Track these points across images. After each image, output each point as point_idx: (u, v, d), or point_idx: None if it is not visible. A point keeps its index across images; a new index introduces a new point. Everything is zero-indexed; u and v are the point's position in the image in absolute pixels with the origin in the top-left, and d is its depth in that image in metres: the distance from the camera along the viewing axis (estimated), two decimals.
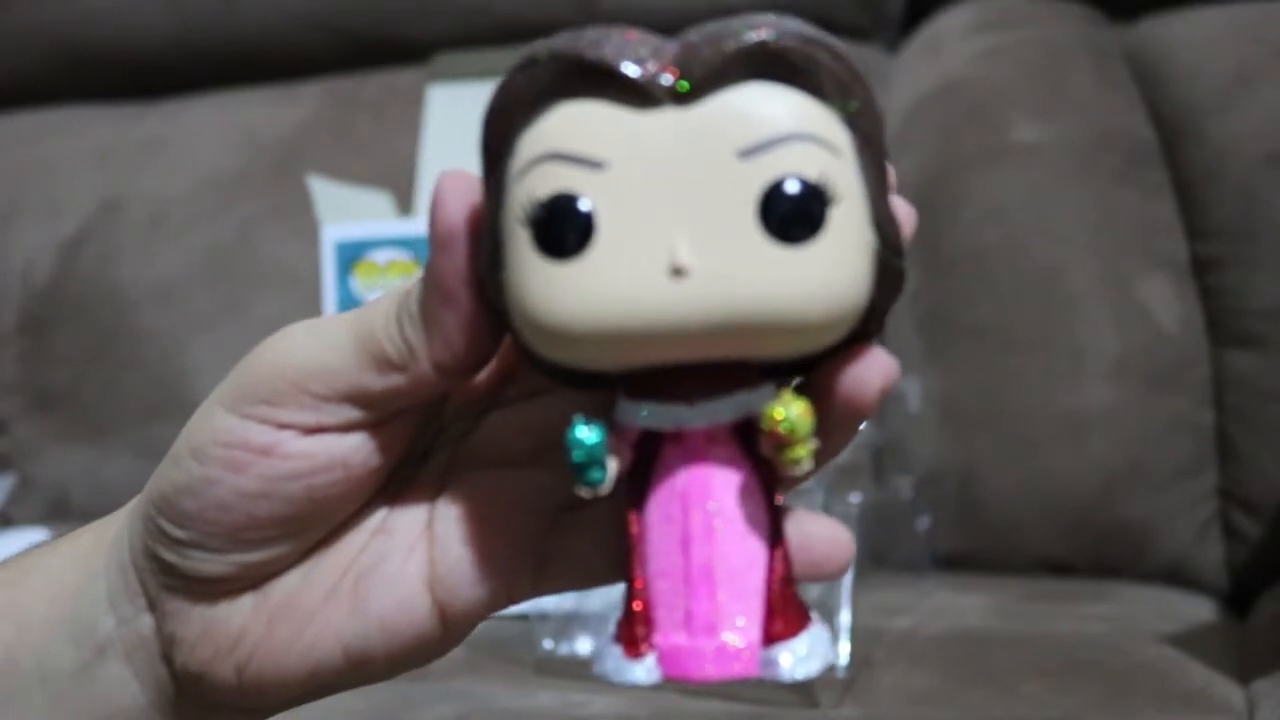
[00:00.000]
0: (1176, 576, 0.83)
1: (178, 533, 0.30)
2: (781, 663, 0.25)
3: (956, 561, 0.87)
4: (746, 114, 0.25)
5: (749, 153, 0.24)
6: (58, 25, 1.14)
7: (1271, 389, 0.83)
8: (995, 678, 0.63)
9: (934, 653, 0.68)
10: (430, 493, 0.31)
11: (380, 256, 0.95)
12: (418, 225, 0.92)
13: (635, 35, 0.25)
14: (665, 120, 0.25)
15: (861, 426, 0.29)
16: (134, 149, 1.11)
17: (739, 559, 0.26)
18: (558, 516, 0.31)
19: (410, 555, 0.31)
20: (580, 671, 0.63)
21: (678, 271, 0.24)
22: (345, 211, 0.94)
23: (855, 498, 0.77)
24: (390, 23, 1.09)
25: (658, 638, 0.26)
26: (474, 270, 0.27)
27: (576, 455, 0.26)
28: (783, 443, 0.25)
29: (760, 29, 0.25)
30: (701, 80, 0.25)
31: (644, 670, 0.26)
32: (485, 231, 0.26)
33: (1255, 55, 0.88)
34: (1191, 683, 0.63)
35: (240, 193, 1.06)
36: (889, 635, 0.70)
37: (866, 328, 0.27)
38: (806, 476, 0.27)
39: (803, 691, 0.60)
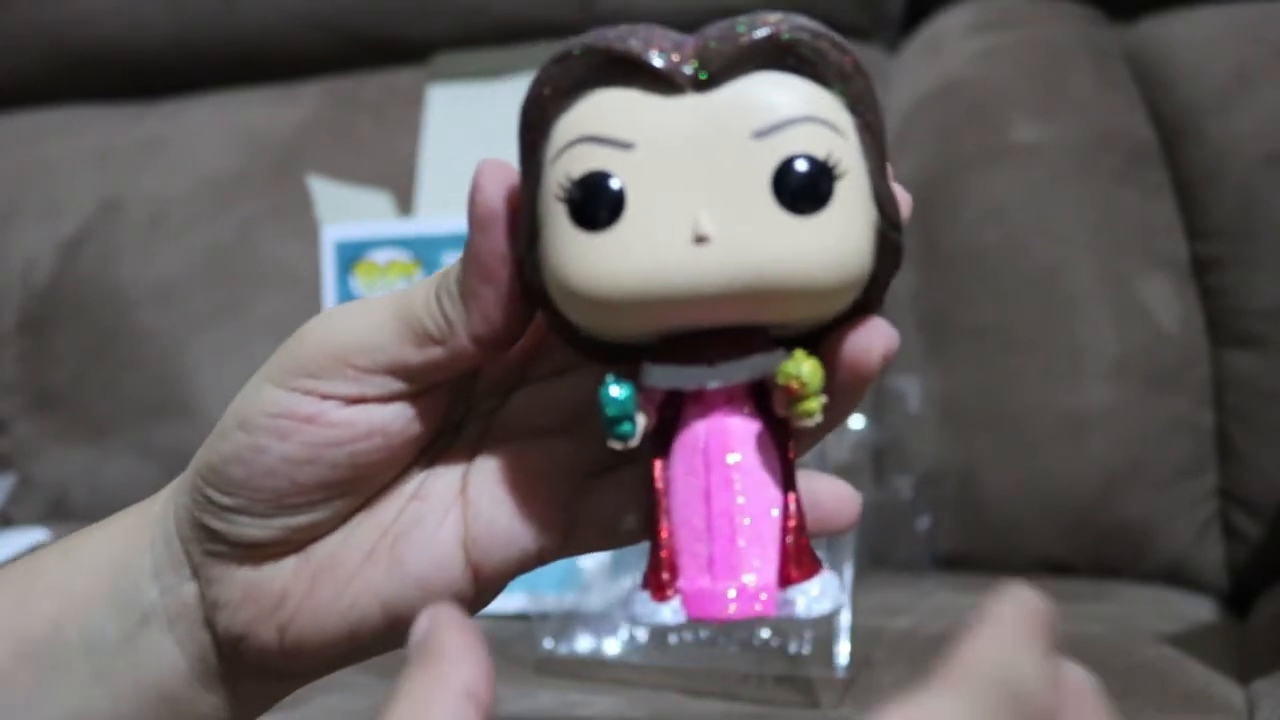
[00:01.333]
0: (1176, 576, 0.83)
1: (225, 500, 0.32)
2: (797, 603, 0.28)
3: (956, 561, 0.87)
4: (760, 99, 0.27)
5: (763, 134, 0.27)
6: (58, 25, 1.14)
7: (1271, 389, 0.83)
8: None
9: (934, 653, 0.67)
10: (463, 461, 0.34)
11: (380, 256, 0.95)
12: (418, 225, 0.92)
13: (659, 31, 0.28)
14: (687, 105, 0.27)
15: (860, 420, 0.31)
16: (134, 149, 1.11)
17: (756, 508, 0.28)
18: (584, 481, 0.33)
19: (445, 518, 0.33)
20: (580, 671, 0.63)
21: (700, 239, 0.27)
22: (345, 211, 0.94)
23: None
24: (390, 23, 1.09)
25: (682, 582, 0.28)
26: (511, 249, 0.29)
27: (609, 410, 0.28)
28: (795, 396, 0.28)
29: (771, 24, 0.27)
30: (719, 69, 0.27)
31: (670, 611, 0.28)
32: (523, 212, 0.29)
33: (1255, 55, 0.88)
34: (1191, 683, 0.63)
35: (240, 193, 1.06)
36: (889, 635, 0.70)
37: (869, 297, 0.29)
38: (820, 433, 0.30)
39: (803, 691, 0.60)
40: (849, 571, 0.67)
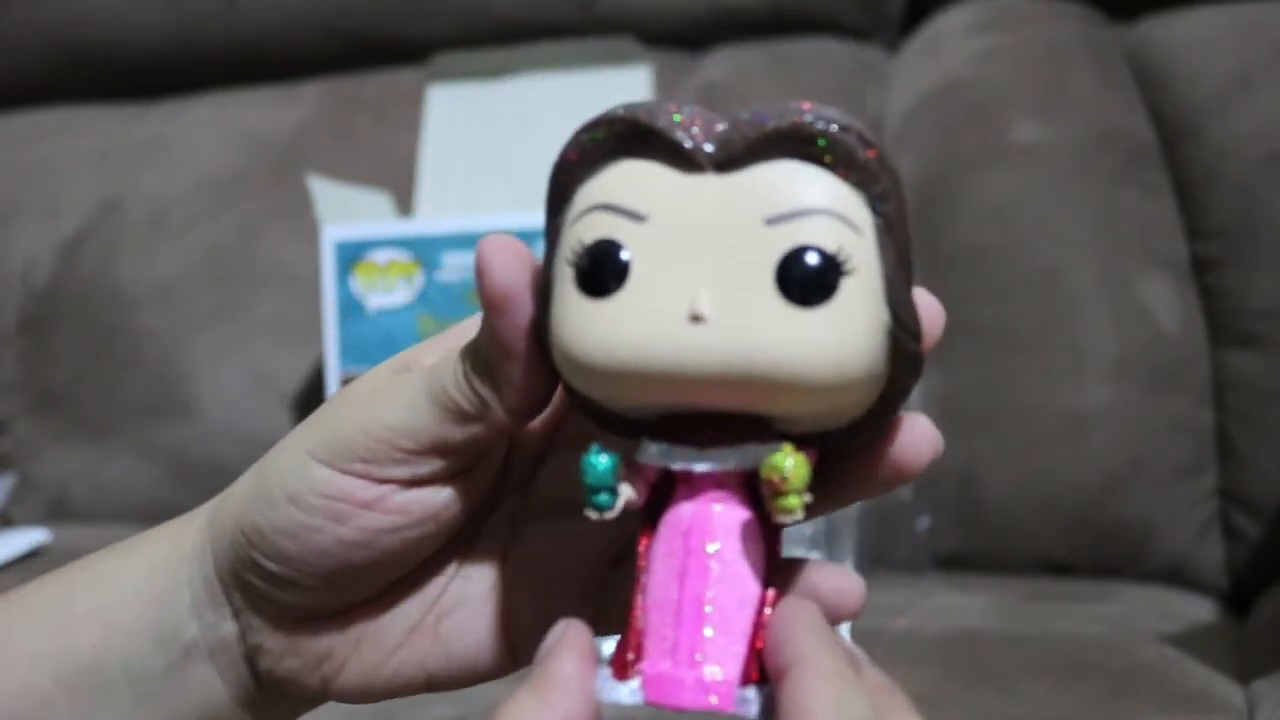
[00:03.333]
0: (1176, 576, 0.83)
1: (273, 567, 0.32)
2: (753, 704, 0.27)
3: (956, 561, 0.87)
4: (776, 187, 0.27)
5: (774, 221, 0.27)
6: (58, 25, 1.14)
7: (1271, 389, 0.83)
8: (995, 678, 0.63)
9: (934, 653, 0.68)
10: (501, 541, 0.34)
11: (380, 256, 0.95)
12: (417, 225, 0.92)
13: (698, 111, 0.28)
14: (705, 184, 0.28)
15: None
16: (134, 149, 1.11)
17: (730, 600, 0.28)
18: (613, 569, 0.34)
19: (486, 602, 0.34)
20: None
21: (696, 318, 0.27)
22: (345, 211, 0.94)
23: None
24: (390, 23, 1.09)
25: (646, 664, 0.28)
26: (530, 317, 0.29)
27: (587, 478, 0.28)
28: (776, 490, 0.27)
29: (801, 113, 0.27)
30: (741, 152, 0.27)
31: (628, 692, 0.27)
32: (542, 274, 0.29)
33: (1255, 55, 0.88)
34: (1191, 683, 0.63)
35: (240, 193, 1.06)
36: (889, 635, 0.70)
37: (887, 407, 0.30)
38: (809, 516, 0.29)
39: None
40: (864, 593, 0.67)
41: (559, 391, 0.31)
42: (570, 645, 0.26)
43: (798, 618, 0.27)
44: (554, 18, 1.04)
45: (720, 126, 0.28)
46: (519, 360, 0.30)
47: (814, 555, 0.68)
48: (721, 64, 1.03)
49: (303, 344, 0.99)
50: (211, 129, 1.10)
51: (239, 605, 0.34)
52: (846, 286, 0.27)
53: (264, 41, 1.12)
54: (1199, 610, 0.78)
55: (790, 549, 0.29)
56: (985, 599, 0.78)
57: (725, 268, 0.27)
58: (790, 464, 0.27)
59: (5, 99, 1.17)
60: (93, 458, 1.03)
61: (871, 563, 0.81)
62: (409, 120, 1.05)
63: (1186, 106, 0.89)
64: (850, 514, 0.74)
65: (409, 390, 0.31)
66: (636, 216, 0.28)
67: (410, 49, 1.08)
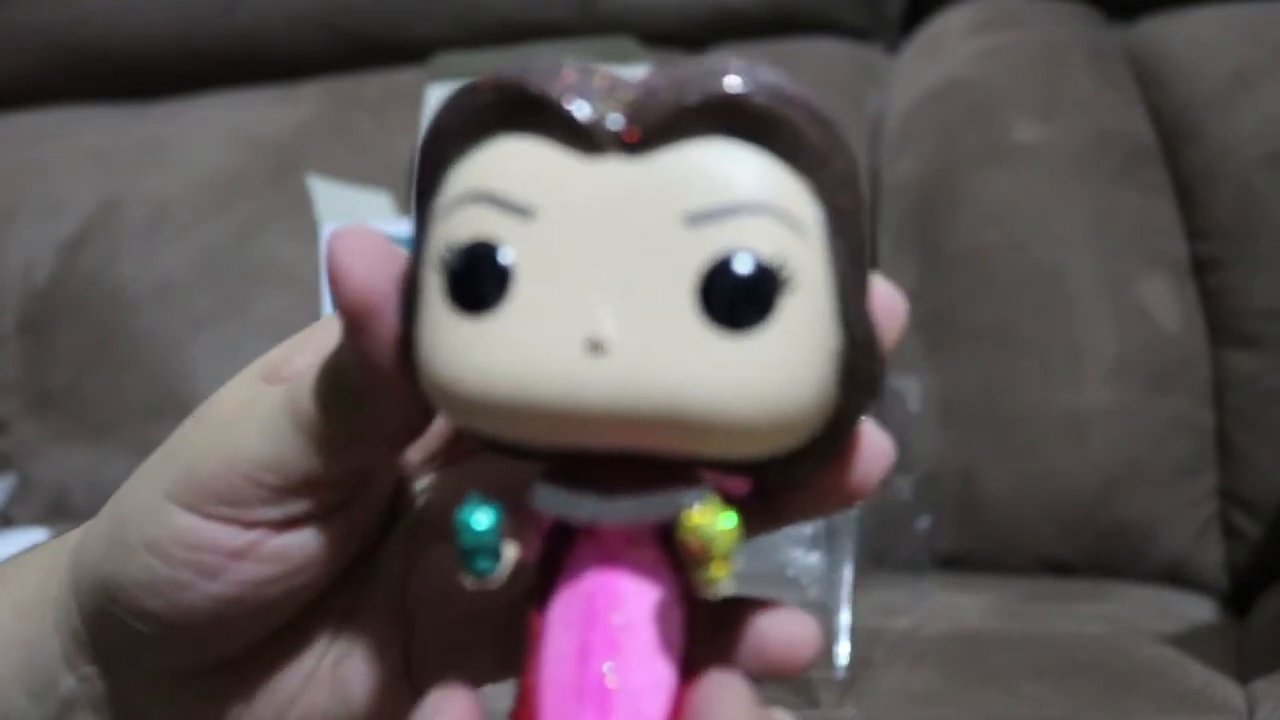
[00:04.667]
0: (1176, 576, 0.83)
1: (138, 626, 0.28)
2: None
3: (956, 561, 0.87)
4: (700, 174, 0.21)
5: (697, 219, 0.21)
6: (58, 25, 1.14)
7: (1271, 389, 0.83)
8: (995, 678, 0.63)
9: (934, 653, 0.68)
10: (398, 569, 0.30)
11: None
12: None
13: (599, 73, 0.22)
14: (609, 170, 0.22)
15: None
16: (134, 149, 1.11)
17: (637, 682, 0.22)
18: (525, 599, 0.28)
19: (385, 644, 0.29)
20: None
21: (595, 346, 0.21)
22: (345, 211, 0.94)
23: None
24: (390, 23, 1.09)
25: None
26: (397, 326, 0.24)
27: (464, 540, 0.23)
28: (697, 559, 0.22)
29: (730, 78, 0.21)
30: (655, 129, 0.21)
31: None
32: (408, 275, 0.23)
33: (1255, 55, 0.88)
34: (1191, 683, 0.63)
35: (240, 193, 1.06)
36: (889, 635, 0.70)
37: (836, 435, 0.23)
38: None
39: (803, 691, 0.60)
40: (849, 571, 0.67)
41: None
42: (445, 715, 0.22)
43: (722, 705, 0.22)
44: (554, 18, 1.04)
45: (626, 93, 0.22)
46: (389, 380, 0.24)
47: (814, 556, 0.68)
48: None
49: None
50: (211, 129, 1.10)
51: (108, 663, 0.29)
52: (786, 305, 0.21)
53: (264, 41, 1.12)
54: (1199, 610, 0.78)
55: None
56: (985, 599, 0.78)
57: (633, 279, 0.21)
58: (715, 529, 0.22)
59: (5, 99, 1.17)
60: (93, 458, 1.03)
61: (871, 563, 0.81)
62: (409, 120, 1.05)
63: (1186, 106, 0.89)
64: (850, 514, 0.74)
65: (268, 414, 0.26)
66: (521, 211, 0.22)
67: (410, 49, 1.08)
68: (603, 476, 0.23)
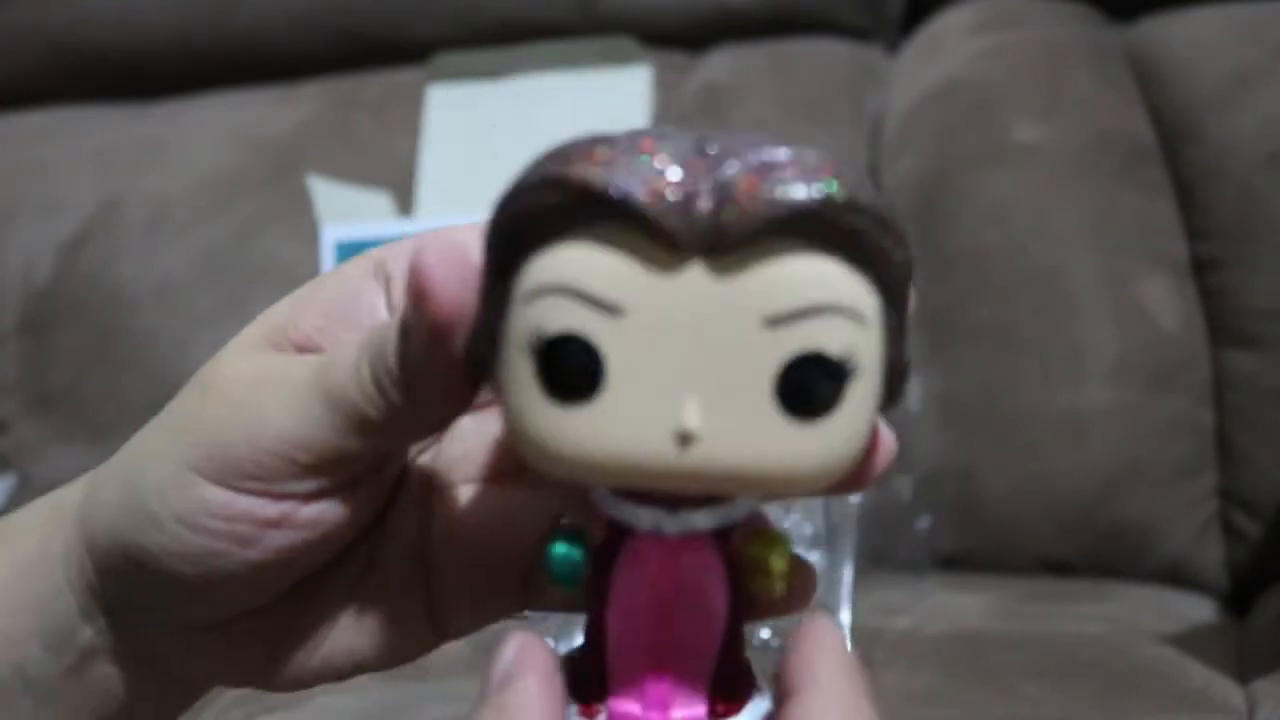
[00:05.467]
0: (1176, 576, 0.83)
1: (170, 589, 0.29)
2: None
3: (956, 561, 0.87)
4: (778, 280, 0.23)
5: (775, 322, 0.23)
6: (58, 25, 1.14)
7: (1271, 389, 0.83)
8: (995, 678, 0.63)
9: (934, 653, 0.68)
10: (416, 517, 0.31)
11: None
12: (417, 225, 0.92)
13: (660, 154, 0.23)
14: (692, 271, 0.23)
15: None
16: (134, 149, 1.11)
17: (698, 644, 0.26)
18: (543, 536, 0.30)
19: (406, 588, 0.30)
20: None
21: (684, 438, 0.23)
22: (345, 211, 0.94)
23: (855, 498, 0.77)
24: (390, 23, 1.09)
25: (611, 700, 0.26)
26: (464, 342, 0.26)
27: (557, 572, 0.26)
28: (756, 574, 0.26)
29: (810, 185, 0.23)
30: (735, 232, 0.23)
31: None
32: (482, 318, 0.25)
33: (1255, 55, 0.88)
34: (1191, 683, 0.63)
35: (240, 193, 1.06)
36: (889, 635, 0.70)
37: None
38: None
39: None
40: (849, 571, 0.67)
41: None
42: (531, 669, 0.24)
43: (820, 640, 0.25)
44: (554, 18, 1.04)
45: (705, 187, 0.23)
46: (449, 380, 0.26)
47: (814, 555, 0.68)
48: (721, 64, 1.03)
49: None
50: (211, 129, 1.10)
51: (133, 620, 0.30)
52: (851, 391, 0.24)
53: (264, 41, 1.12)
54: (1199, 610, 0.78)
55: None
56: (985, 599, 0.78)
57: (715, 375, 0.23)
58: (775, 557, 0.25)
59: (5, 99, 1.17)
60: (93, 458, 1.02)
61: (871, 563, 0.81)
62: (409, 120, 1.05)
63: (1186, 106, 0.89)
64: (850, 514, 0.74)
65: (299, 393, 0.27)
66: (610, 309, 0.23)
67: (410, 49, 1.08)
68: (666, 495, 0.25)
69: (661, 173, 0.23)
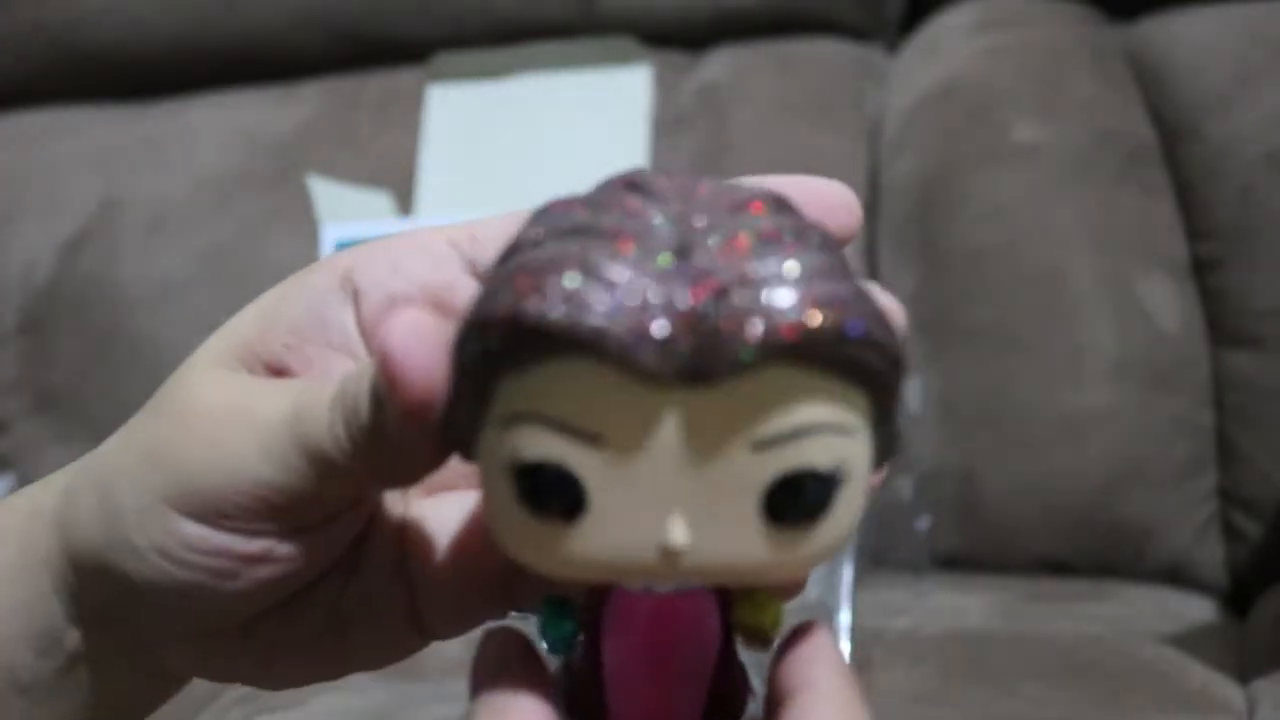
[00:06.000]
0: (1176, 576, 0.83)
1: (155, 617, 0.29)
2: None
3: (956, 561, 0.87)
4: (765, 406, 0.22)
5: (761, 445, 0.23)
6: (58, 25, 1.14)
7: (1271, 389, 0.83)
8: (995, 678, 0.63)
9: (934, 653, 0.68)
10: (395, 527, 0.31)
11: None
12: (417, 225, 0.92)
13: (640, 277, 0.22)
14: (674, 399, 0.22)
15: None
16: (134, 149, 1.11)
17: (691, 674, 0.26)
18: None
19: (389, 596, 0.30)
20: None
21: (669, 554, 0.23)
22: (345, 211, 0.94)
23: None
24: (390, 23, 1.09)
25: None
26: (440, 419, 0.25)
27: (550, 644, 0.26)
28: (751, 637, 0.26)
29: (798, 317, 0.22)
30: (720, 373, 0.22)
31: None
32: (456, 406, 0.24)
33: (1255, 55, 0.88)
34: (1191, 683, 0.63)
35: (240, 193, 1.06)
36: (889, 635, 0.70)
37: None
38: None
39: None
40: (849, 571, 0.67)
41: None
42: (516, 669, 0.24)
43: (814, 643, 0.25)
44: (554, 18, 1.04)
45: (688, 325, 0.22)
46: (425, 452, 0.25)
47: None
48: (721, 64, 1.03)
49: None
50: (211, 129, 1.10)
51: (119, 627, 0.30)
52: (840, 496, 0.23)
53: (264, 41, 1.12)
54: (1199, 610, 0.78)
55: None
56: (985, 599, 0.78)
57: (701, 493, 0.23)
58: (768, 620, 0.26)
59: (5, 99, 1.17)
60: None
61: (871, 563, 0.81)
62: (409, 120, 1.05)
63: (1186, 106, 0.89)
64: None
65: (276, 439, 0.27)
66: (589, 437, 0.22)
67: (410, 49, 1.08)
68: None
69: (639, 305, 0.22)
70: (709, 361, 0.22)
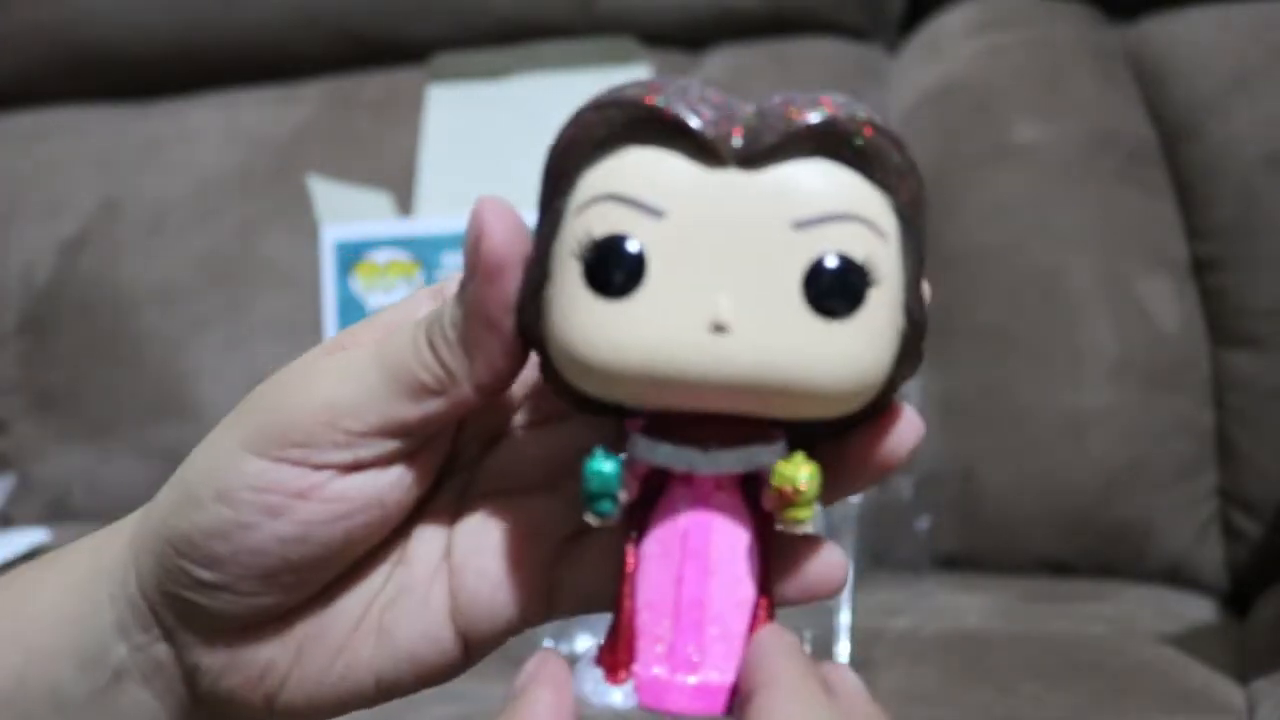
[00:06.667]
0: (1176, 576, 0.83)
1: (205, 575, 0.30)
2: None
3: (956, 561, 0.87)
4: (806, 188, 0.26)
5: (803, 225, 0.26)
6: (58, 25, 1.14)
7: (1271, 389, 0.83)
8: (995, 678, 0.63)
9: (934, 653, 0.68)
10: (447, 522, 0.32)
11: (380, 256, 0.95)
12: (417, 225, 0.92)
13: (712, 93, 0.27)
14: (728, 180, 0.26)
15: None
16: (134, 149, 1.11)
17: (726, 603, 0.27)
18: (567, 545, 0.32)
19: (431, 587, 0.31)
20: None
21: (718, 328, 0.25)
22: (345, 211, 0.94)
23: (855, 498, 0.77)
24: (390, 23, 1.09)
25: (638, 666, 0.27)
26: (514, 296, 0.28)
27: (593, 484, 0.27)
28: (788, 501, 0.26)
29: (831, 109, 0.26)
30: (768, 148, 0.26)
31: (621, 695, 0.27)
32: (534, 257, 0.27)
33: (1255, 55, 0.88)
34: (1191, 683, 0.63)
35: (240, 193, 1.06)
36: (889, 635, 0.70)
37: (884, 399, 0.28)
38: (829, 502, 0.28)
39: None
40: (849, 571, 0.67)
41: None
42: (547, 677, 0.25)
43: (772, 642, 0.26)
44: (554, 18, 1.04)
45: (742, 115, 0.26)
46: (501, 333, 0.28)
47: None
48: (721, 64, 1.03)
49: (303, 344, 0.98)
50: (211, 129, 1.10)
51: (170, 624, 0.31)
52: (872, 296, 0.26)
53: (264, 41, 1.12)
54: (1199, 610, 0.78)
55: None
56: (985, 599, 0.78)
57: (748, 272, 0.25)
58: (804, 476, 0.26)
59: (5, 99, 1.17)
60: (93, 458, 1.03)
61: (871, 563, 0.81)
62: (409, 120, 1.05)
63: (1186, 106, 0.89)
64: (850, 514, 0.74)
65: (357, 365, 0.29)
66: (653, 211, 0.26)
67: (410, 49, 1.08)
68: (696, 433, 0.27)
69: (705, 98, 0.26)
70: (757, 144, 0.26)
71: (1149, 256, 0.87)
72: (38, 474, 1.05)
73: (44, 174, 1.12)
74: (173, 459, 0.32)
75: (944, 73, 0.96)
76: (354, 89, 1.09)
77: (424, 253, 0.92)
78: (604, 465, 0.27)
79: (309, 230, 0.98)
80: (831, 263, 0.25)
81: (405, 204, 1.02)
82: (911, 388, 0.92)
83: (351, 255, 0.93)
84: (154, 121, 1.13)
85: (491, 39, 1.06)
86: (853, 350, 0.26)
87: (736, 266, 0.26)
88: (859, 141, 0.26)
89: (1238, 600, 0.82)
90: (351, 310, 0.91)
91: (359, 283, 0.94)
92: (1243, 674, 0.64)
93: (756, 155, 0.26)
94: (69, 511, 1.03)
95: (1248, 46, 0.89)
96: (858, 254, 0.26)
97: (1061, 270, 0.87)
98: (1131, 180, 0.89)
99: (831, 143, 0.26)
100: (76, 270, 1.08)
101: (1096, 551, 0.85)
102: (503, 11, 1.06)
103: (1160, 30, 0.93)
